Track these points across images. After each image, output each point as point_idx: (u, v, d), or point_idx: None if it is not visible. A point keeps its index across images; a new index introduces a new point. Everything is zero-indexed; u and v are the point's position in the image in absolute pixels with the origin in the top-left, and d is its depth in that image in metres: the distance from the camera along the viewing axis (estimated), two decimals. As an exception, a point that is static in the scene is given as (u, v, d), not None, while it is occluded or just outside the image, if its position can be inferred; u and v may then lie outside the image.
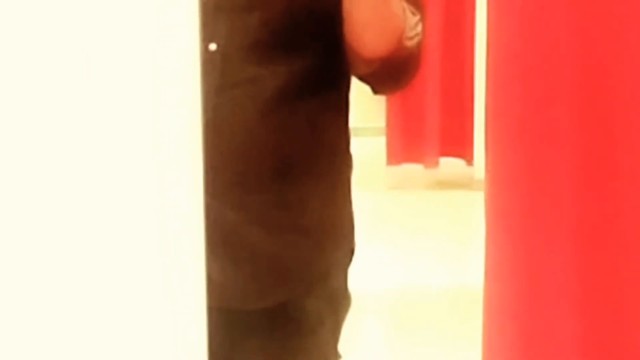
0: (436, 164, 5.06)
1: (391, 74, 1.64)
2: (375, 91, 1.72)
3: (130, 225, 0.85)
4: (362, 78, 1.64)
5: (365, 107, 2.58)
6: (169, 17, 0.83)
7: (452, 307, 3.67)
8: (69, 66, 0.84)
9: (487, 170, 1.96)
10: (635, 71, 1.83)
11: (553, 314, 1.95)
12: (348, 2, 1.53)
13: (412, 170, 5.05)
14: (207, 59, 1.55)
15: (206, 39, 1.51)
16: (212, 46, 1.57)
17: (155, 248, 0.86)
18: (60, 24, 0.89)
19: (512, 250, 1.95)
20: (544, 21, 1.92)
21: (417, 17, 1.60)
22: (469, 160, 4.91)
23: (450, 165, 5.05)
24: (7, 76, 0.83)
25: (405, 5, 1.57)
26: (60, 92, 0.86)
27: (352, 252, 1.73)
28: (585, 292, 1.90)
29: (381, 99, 4.69)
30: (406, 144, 5.06)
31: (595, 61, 1.90)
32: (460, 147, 5.03)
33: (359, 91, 1.71)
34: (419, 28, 1.60)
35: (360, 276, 1.87)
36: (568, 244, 1.90)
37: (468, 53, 4.78)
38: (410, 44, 1.58)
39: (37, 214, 0.84)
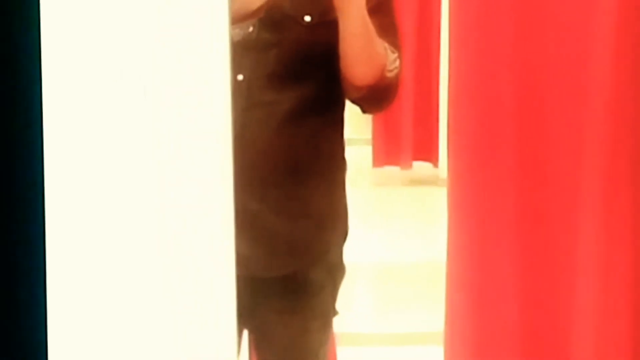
0: (410, 166, 4.90)
1: (376, 98, 1.66)
2: (364, 111, 1.73)
3: (178, 213, 0.87)
4: (353, 101, 1.66)
5: (356, 123, 2.56)
6: (208, 55, 0.85)
7: (422, 276, 3.58)
8: (137, 92, 0.83)
9: (449, 172, 1.94)
10: (561, 100, 1.83)
11: (499, 279, 1.95)
12: (343, 43, 1.55)
13: (392, 171, 4.92)
14: (236, 87, 1.50)
15: (235, 71, 1.55)
16: (240, 77, 1.58)
17: (197, 230, 0.88)
18: (126, 62, 0.83)
19: (468, 233, 1.94)
20: (492, 59, 1.88)
21: (395, 55, 1.63)
22: (435, 163, 4.79)
23: (421, 167, 4.90)
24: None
25: (386, 45, 1.59)
26: (134, 114, 0.83)
27: (346, 233, 1.76)
28: (523, 262, 1.90)
29: (368, 117, 4.70)
30: (387, 151, 4.92)
31: (531, 91, 1.89)
32: (429, 153, 4.88)
33: (351, 110, 1.72)
34: (397, 63, 1.63)
35: (353, 252, 1.85)
36: (509, 226, 1.91)
37: (434, 81, 4.68)
38: (390, 75, 1.61)
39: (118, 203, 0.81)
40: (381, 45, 1.58)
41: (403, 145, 4.88)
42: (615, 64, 1.88)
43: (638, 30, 1.82)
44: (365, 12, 1.53)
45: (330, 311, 1.75)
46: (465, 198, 1.91)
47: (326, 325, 1.77)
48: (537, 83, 1.89)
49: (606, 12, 1.85)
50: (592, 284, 1.91)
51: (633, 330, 1.91)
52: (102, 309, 0.86)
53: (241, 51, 1.58)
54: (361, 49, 1.57)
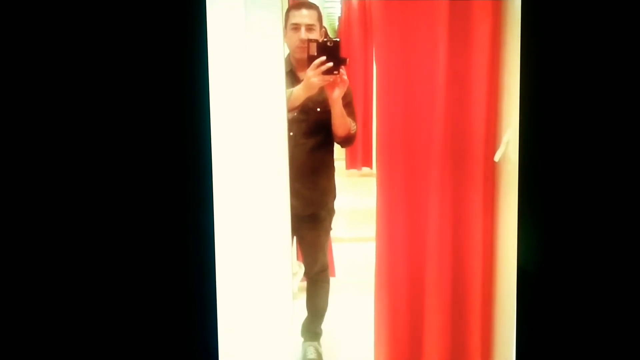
0: (361, 168, 5.79)
1: (346, 142, 2.06)
2: (342, 147, 2.09)
3: (263, 188, 1.12)
4: (338, 143, 2.06)
5: (339, 151, 2.50)
6: (279, 124, 1.13)
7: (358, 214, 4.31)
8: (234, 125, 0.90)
9: (377, 172, 1.82)
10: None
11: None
12: (333, 120, 1.94)
13: (353, 171, 5.71)
14: (290, 137, 1.66)
15: (289, 130, 1.54)
16: (291, 133, 1.84)
17: (270, 198, 1.18)
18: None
19: (388, 205, 1.82)
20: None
21: (354, 123, 2.02)
22: (371, 167, 5.62)
23: (365, 169, 5.72)
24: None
25: (350, 120, 1.99)
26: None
27: (335, 197, 2.18)
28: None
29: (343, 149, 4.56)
30: (351, 161, 5.74)
31: (415, 124, 1.75)
32: (369, 161, 5.72)
33: (337, 146, 2.10)
34: (355, 127, 2.02)
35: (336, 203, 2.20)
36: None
37: (371, 124, 5.38)
38: (352, 132, 2.01)
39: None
40: (348, 120, 1.97)
41: (357, 159, 5.82)
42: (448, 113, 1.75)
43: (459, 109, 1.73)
44: (342, 107, 1.93)
45: (328, 228, 2.22)
46: (384, 185, 1.81)
47: (327, 233, 2.24)
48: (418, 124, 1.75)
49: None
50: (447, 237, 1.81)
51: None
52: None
53: (291, 122, 1.77)
54: (340, 122, 1.95)
